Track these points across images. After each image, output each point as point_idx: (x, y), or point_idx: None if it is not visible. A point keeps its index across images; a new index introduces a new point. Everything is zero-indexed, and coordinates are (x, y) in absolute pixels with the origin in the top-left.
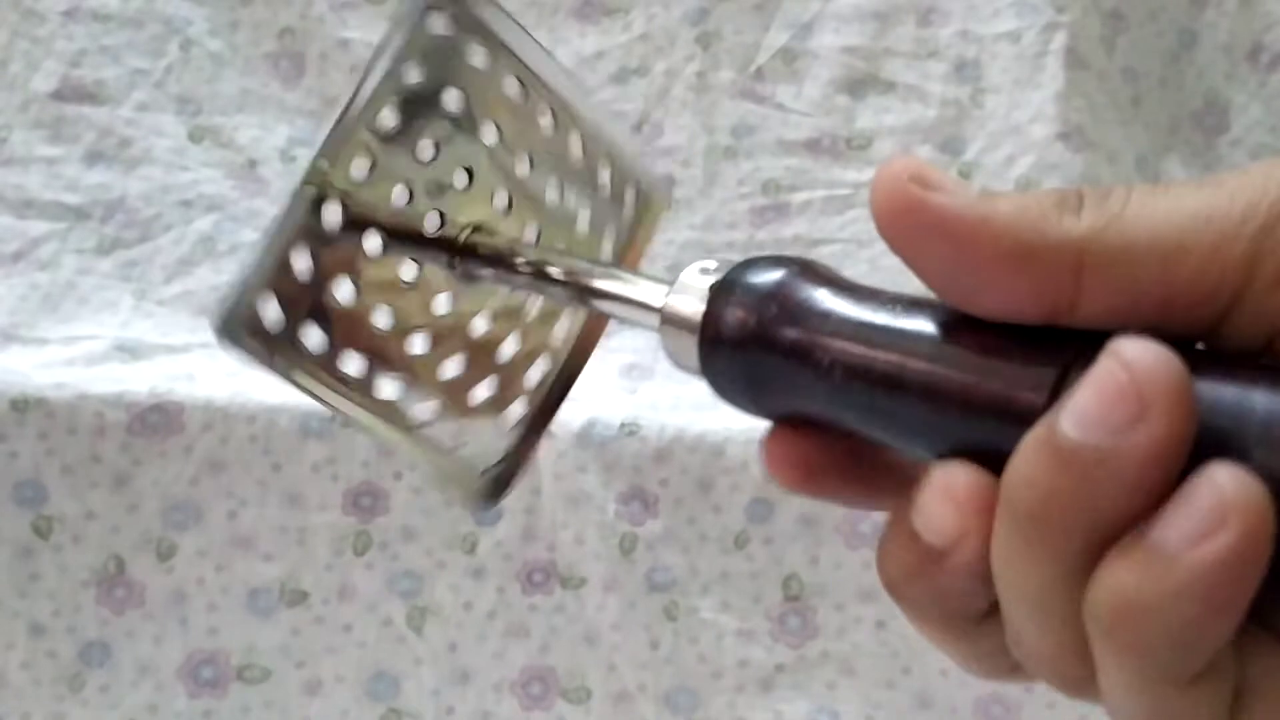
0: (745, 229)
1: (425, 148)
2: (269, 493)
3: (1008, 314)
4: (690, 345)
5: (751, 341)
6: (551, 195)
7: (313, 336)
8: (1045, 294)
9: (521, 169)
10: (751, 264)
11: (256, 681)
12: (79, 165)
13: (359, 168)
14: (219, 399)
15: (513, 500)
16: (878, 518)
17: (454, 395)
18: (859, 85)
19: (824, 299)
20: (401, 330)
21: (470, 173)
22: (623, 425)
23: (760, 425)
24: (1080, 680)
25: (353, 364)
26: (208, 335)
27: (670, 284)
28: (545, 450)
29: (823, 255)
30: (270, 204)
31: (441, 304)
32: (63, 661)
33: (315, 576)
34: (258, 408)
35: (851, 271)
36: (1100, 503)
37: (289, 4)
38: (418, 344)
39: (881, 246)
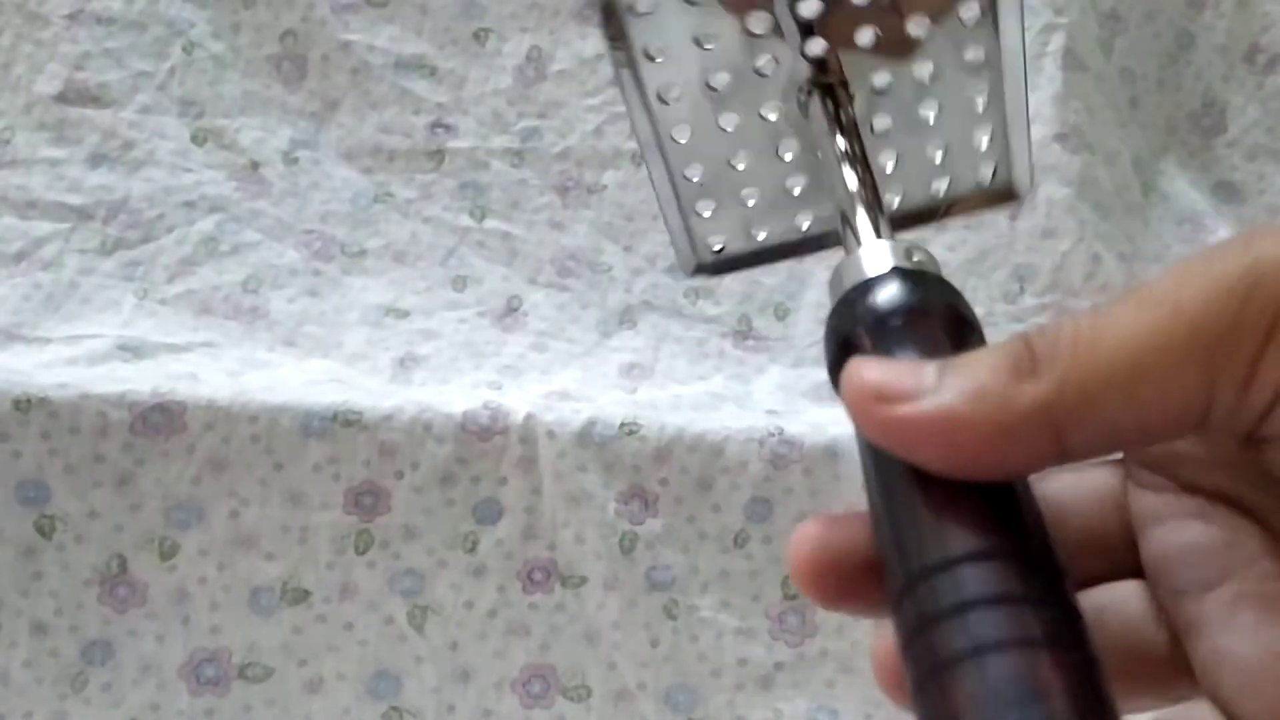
0: None
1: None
2: (271, 492)
3: (1008, 478)
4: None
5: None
6: (926, 114)
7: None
8: (1034, 458)
9: (922, 73)
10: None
11: (258, 680)
12: (82, 167)
13: None
14: (221, 398)
15: (513, 499)
16: None
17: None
18: None
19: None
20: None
21: (876, 40)
22: (623, 425)
23: (759, 425)
24: None
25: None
26: (210, 334)
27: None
28: (545, 450)
29: (821, 255)
30: (272, 205)
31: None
32: (65, 660)
33: (317, 575)
34: (260, 407)
35: None
36: None
37: (291, 7)
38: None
39: None
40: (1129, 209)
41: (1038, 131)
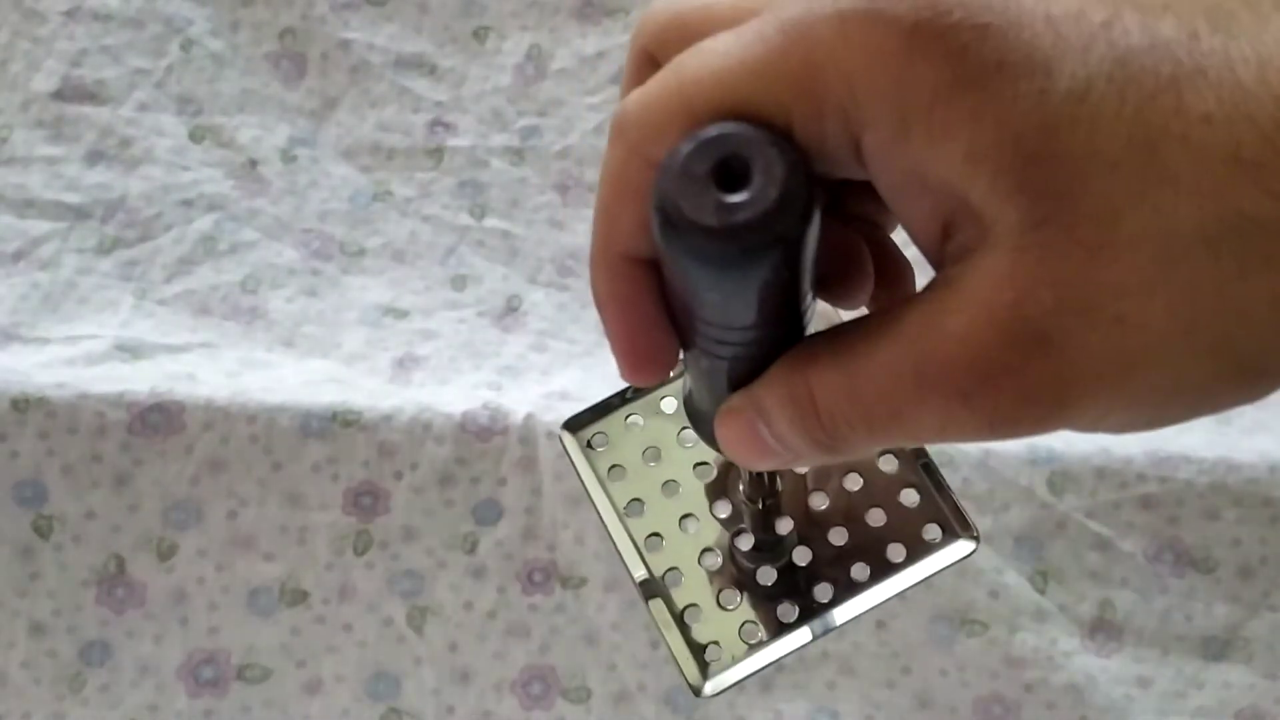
0: None
1: None
2: (269, 492)
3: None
4: None
5: None
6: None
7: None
8: None
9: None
10: None
11: (257, 681)
12: (80, 165)
13: None
14: (219, 398)
15: (513, 500)
16: None
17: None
18: None
19: None
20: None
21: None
22: None
23: None
24: None
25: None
26: (208, 334)
27: None
28: (545, 450)
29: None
30: (270, 203)
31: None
32: (63, 661)
33: (315, 576)
34: (258, 407)
35: None
36: None
37: (290, 4)
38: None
39: None
40: None
41: None
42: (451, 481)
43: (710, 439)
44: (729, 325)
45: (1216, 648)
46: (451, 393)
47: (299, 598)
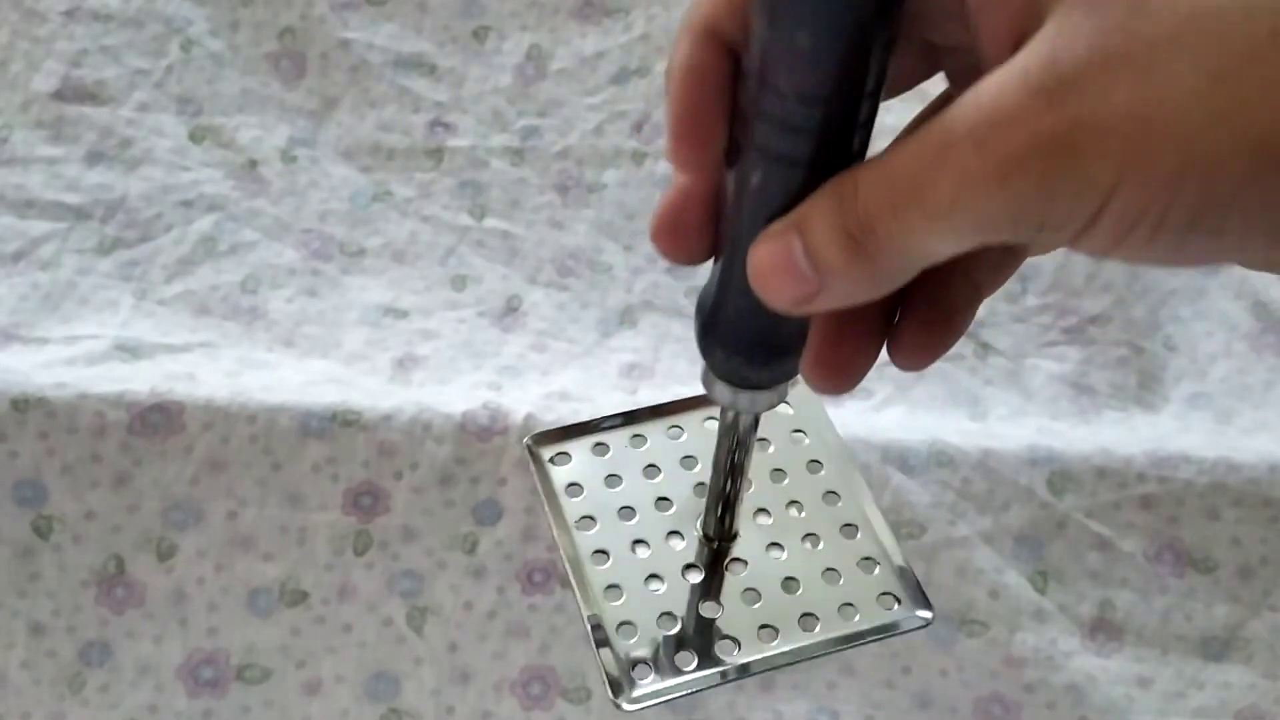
0: None
1: None
2: (269, 492)
3: None
4: None
5: None
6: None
7: None
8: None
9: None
10: None
11: (256, 681)
12: (80, 165)
13: None
14: (219, 398)
15: (513, 500)
16: None
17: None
18: None
19: None
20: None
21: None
22: None
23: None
24: None
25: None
26: (208, 334)
27: None
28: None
29: None
30: (270, 204)
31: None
32: (63, 661)
33: (315, 576)
34: (258, 407)
35: None
36: None
37: (290, 4)
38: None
39: None
40: None
41: None
42: (451, 481)
43: (711, 342)
44: (800, 94)
45: (1216, 648)
46: (451, 393)
47: (299, 598)
